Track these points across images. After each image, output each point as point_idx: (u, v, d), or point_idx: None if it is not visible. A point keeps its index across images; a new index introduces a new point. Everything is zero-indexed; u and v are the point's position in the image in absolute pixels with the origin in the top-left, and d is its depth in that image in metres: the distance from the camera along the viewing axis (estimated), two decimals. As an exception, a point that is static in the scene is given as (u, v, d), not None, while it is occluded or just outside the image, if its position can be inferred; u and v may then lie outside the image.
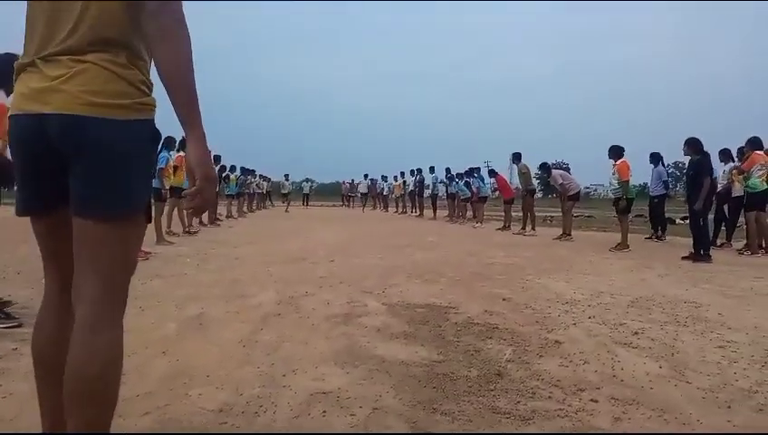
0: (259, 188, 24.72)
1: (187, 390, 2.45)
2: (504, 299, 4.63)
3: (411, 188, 21.91)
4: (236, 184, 17.98)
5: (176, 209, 10.79)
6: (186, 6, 1.43)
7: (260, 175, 24.95)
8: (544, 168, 11.99)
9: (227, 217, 16.84)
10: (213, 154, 9.32)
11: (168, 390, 2.45)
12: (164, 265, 6.33)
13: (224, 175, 15.99)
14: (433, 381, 2.63)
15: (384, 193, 27.02)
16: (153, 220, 8.74)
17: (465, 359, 2.98)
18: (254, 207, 24.00)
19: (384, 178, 27.46)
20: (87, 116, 1.38)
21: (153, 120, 1.52)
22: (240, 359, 2.93)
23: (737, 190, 9.11)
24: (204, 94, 1.49)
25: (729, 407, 2.38)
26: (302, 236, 11.47)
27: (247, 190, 21.51)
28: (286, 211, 24.67)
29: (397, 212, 24.47)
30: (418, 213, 21.48)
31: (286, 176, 29.38)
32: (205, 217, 13.56)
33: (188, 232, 10.86)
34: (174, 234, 10.29)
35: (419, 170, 21.37)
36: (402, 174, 23.97)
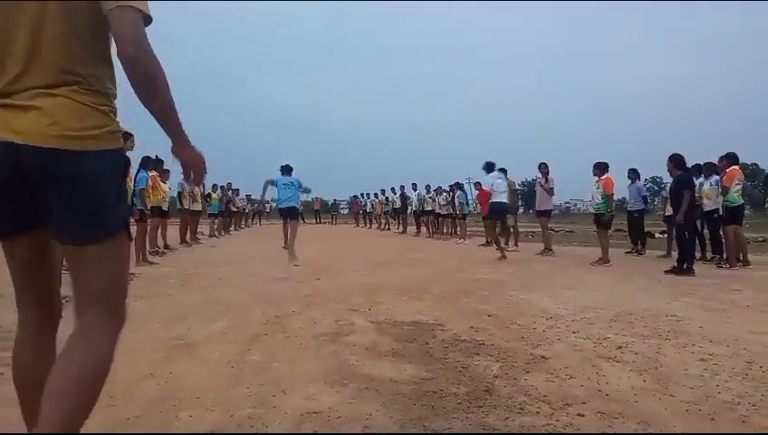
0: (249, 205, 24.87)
1: (177, 412, 2.45)
2: (489, 315, 4.67)
3: (398, 205, 21.98)
4: (219, 202, 17.92)
5: (159, 228, 10.74)
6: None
7: (246, 195, 24.85)
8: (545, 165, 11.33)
9: (210, 235, 16.75)
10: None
11: (159, 413, 2.44)
12: (148, 286, 6.28)
13: (206, 193, 15.95)
14: (422, 398, 2.66)
15: (367, 210, 27.19)
16: (134, 241, 8.58)
17: (453, 376, 3.01)
18: (241, 226, 23.99)
19: (366, 195, 27.56)
20: (60, 148, 1.42)
21: (122, 148, 1.58)
22: (229, 380, 2.93)
23: (707, 205, 9.24)
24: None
25: (713, 419, 2.43)
26: (285, 254, 11.40)
27: (235, 209, 21.48)
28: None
29: (380, 229, 24.52)
30: (402, 230, 21.53)
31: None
32: (187, 235, 13.50)
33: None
34: (158, 254, 10.22)
35: (402, 187, 21.50)
36: (383, 191, 24.10)
